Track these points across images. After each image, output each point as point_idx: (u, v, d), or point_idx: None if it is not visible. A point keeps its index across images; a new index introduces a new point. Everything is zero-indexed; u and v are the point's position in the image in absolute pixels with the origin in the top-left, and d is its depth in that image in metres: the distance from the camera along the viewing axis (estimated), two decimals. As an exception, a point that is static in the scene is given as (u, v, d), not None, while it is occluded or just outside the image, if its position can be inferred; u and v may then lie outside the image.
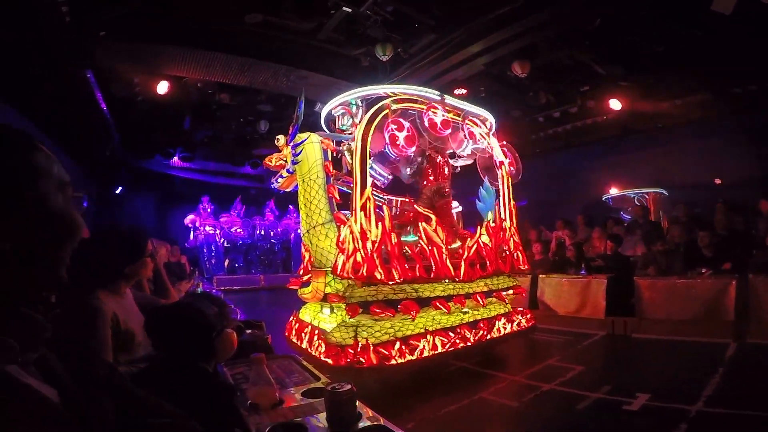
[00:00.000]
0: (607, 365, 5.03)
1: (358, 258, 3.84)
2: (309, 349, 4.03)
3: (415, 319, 4.02)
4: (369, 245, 3.88)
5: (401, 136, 4.38)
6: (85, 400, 0.70)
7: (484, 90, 8.65)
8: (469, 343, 4.28)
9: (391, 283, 3.96)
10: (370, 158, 4.29)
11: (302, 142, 4.24)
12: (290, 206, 15.91)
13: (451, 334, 4.18)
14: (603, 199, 10.39)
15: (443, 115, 4.62)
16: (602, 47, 7.29)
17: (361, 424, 1.32)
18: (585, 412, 3.30)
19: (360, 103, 4.69)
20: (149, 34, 5.82)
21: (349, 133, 4.69)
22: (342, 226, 4.07)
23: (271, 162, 4.45)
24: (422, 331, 4.02)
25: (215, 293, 6.27)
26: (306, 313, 4.68)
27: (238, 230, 15.33)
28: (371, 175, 4.49)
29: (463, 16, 6.37)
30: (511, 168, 5.36)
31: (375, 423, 1.34)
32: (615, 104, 9.01)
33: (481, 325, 4.49)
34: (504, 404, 3.59)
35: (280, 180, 4.50)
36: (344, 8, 6.15)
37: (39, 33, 4.53)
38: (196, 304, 1.63)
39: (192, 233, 15.06)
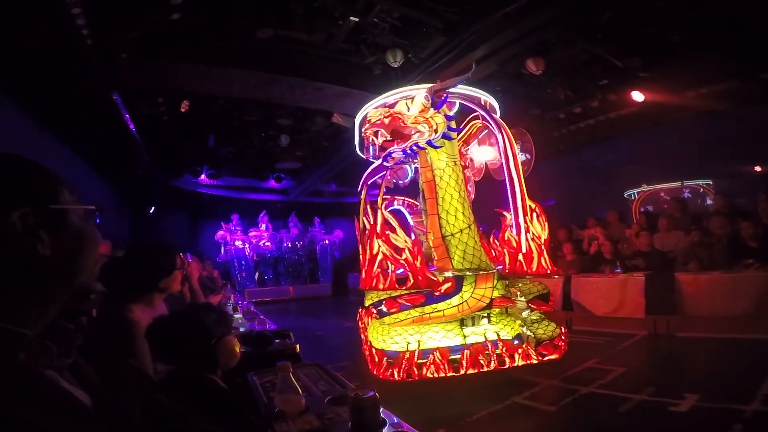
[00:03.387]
0: (651, 366, 4.76)
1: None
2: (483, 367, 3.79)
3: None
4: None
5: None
6: (116, 407, 0.72)
7: (500, 89, 8.52)
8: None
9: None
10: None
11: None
12: (315, 218, 16.12)
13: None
14: (634, 193, 9.99)
15: None
16: (617, 39, 7.08)
17: (385, 431, 1.34)
18: (628, 415, 3.12)
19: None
20: (166, 53, 6.04)
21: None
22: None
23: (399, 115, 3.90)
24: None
25: (246, 305, 6.40)
26: (429, 338, 3.93)
27: (266, 244, 15.64)
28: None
29: (470, 17, 6.31)
30: (526, 155, 4.91)
31: (398, 429, 1.35)
32: (637, 96, 8.69)
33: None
34: (539, 409, 3.45)
35: (398, 154, 4.07)
36: (351, 18, 6.20)
37: (64, 58, 4.79)
38: (193, 313, 1.66)
39: (223, 248, 15.46)
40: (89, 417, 0.64)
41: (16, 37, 4.44)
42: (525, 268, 4.15)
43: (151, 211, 14.35)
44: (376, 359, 3.94)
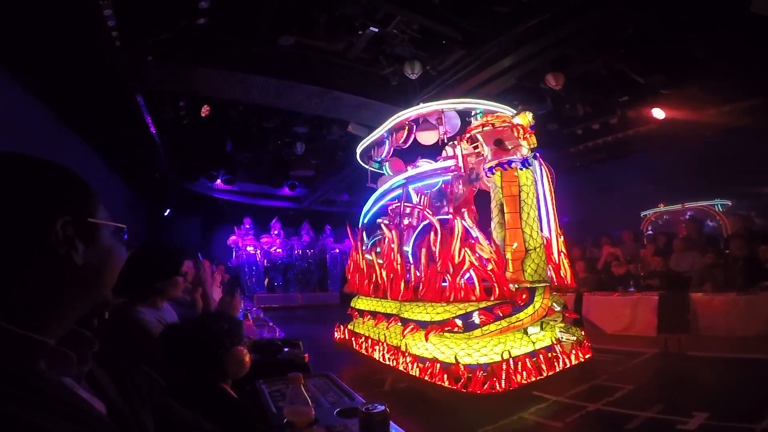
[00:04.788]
0: (660, 383, 4.65)
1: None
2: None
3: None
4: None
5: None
6: (130, 414, 0.72)
7: (518, 103, 8.55)
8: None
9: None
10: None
11: None
12: (327, 226, 16.20)
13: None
14: (651, 212, 9.85)
15: None
16: (639, 56, 7.06)
17: None
18: (635, 432, 3.05)
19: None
20: (190, 57, 6.21)
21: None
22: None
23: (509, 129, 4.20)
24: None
25: (256, 312, 6.46)
26: (510, 346, 4.18)
27: (277, 250, 15.75)
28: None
29: (492, 30, 6.36)
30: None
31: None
32: (658, 113, 8.61)
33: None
34: (545, 424, 3.41)
35: (516, 163, 4.29)
36: (371, 28, 6.31)
37: (93, 58, 4.97)
38: (204, 322, 1.69)
39: (234, 253, 15.60)
40: (105, 426, 0.63)
41: (47, 36, 4.61)
42: (566, 282, 4.63)
43: (166, 214, 14.60)
44: (463, 374, 3.94)
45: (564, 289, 5.11)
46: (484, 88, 7.45)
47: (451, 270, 4.24)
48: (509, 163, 4.29)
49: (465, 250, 4.22)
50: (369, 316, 5.60)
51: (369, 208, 6.38)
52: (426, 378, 4.16)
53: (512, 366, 4.00)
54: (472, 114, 5.28)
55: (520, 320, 4.17)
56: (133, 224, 11.54)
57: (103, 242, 0.73)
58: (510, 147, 4.33)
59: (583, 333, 4.99)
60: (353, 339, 5.78)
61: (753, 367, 4.60)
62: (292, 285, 15.68)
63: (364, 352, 5.43)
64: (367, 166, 6.64)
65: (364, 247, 6.21)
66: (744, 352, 4.92)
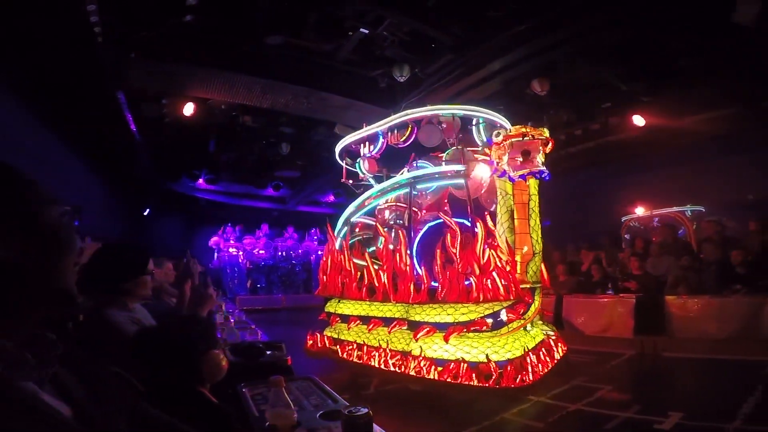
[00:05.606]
0: (637, 384, 4.81)
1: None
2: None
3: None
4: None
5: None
6: (100, 417, 0.70)
7: (503, 108, 8.66)
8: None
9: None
10: None
11: None
12: (312, 228, 16.11)
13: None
14: (629, 218, 10.09)
15: None
16: (623, 63, 7.23)
17: None
18: (614, 432, 3.14)
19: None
20: (174, 54, 6.06)
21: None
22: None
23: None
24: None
25: (238, 314, 6.35)
26: (526, 342, 4.50)
27: (260, 252, 15.58)
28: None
29: (480, 34, 6.44)
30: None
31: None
32: (638, 120, 8.83)
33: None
34: (527, 425, 3.48)
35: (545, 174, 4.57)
36: (362, 29, 6.31)
37: (72, 53, 4.83)
38: (177, 326, 1.65)
39: (216, 254, 15.37)
40: (66, 429, 0.61)
41: (25, 29, 4.45)
42: (545, 283, 5.02)
43: (145, 213, 14.30)
44: (494, 370, 4.08)
45: (546, 290, 5.45)
46: (470, 92, 7.54)
47: (478, 271, 4.37)
48: (540, 173, 4.53)
49: (491, 252, 4.37)
50: (358, 322, 5.33)
51: (355, 209, 6.17)
52: (449, 380, 4.19)
53: (532, 359, 4.30)
54: (474, 123, 5.42)
55: (528, 318, 4.53)
56: (111, 225, 11.24)
57: (46, 232, 0.68)
58: (532, 158, 4.58)
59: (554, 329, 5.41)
60: (337, 347, 5.47)
61: (725, 367, 4.79)
62: (275, 287, 15.54)
63: (356, 360, 5.13)
64: (342, 163, 6.53)
65: (338, 247, 6.04)
66: (717, 353, 5.11)
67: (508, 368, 4.06)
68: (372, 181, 6.07)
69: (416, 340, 4.51)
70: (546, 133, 4.70)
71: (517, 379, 4.05)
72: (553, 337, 5.05)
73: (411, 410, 3.89)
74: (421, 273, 4.86)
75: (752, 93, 7.50)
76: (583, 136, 10.03)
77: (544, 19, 5.99)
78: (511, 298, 4.31)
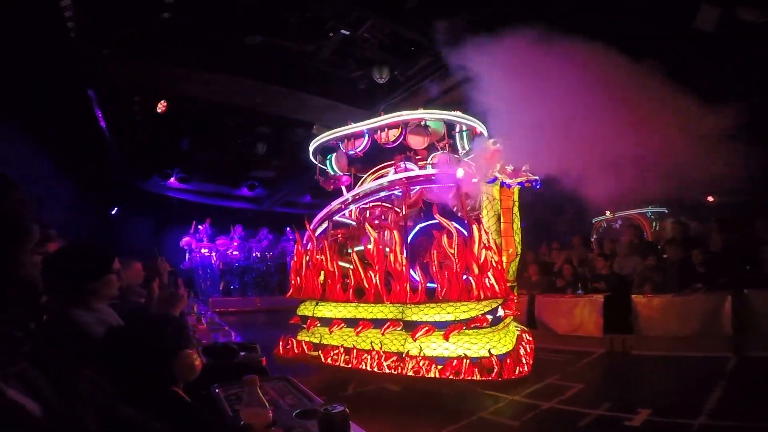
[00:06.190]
0: (607, 382, 5.00)
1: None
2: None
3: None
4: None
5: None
6: (68, 415, 0.70)
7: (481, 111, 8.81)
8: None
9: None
10: None
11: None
12: (287, 229, 15.91)
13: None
14: (599, 219, 10.44)
15: None
16: None
17: None
18: (587, 429, 3.27)
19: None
20: (150, 52, 5.90)
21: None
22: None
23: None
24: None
25: (210, 315, 6.22)
26: (513, 336, 4.82)
27: (234, 253, 15.29)
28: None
29: (459, 37, 6.53)
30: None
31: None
32: (605, 124, 9.13)
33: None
34: (504, 423, 3.56)
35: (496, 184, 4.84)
36: (343, 31, 6.30)
37: (44, 48, 4.62)
38: (148, 326, 1.62)
39: (188, 255, 14.99)
40: (37, 427, 0.61)
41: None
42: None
43: (113, 212, 13.82)
44: (496, 364, 4.28)
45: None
46: (448, 96, 7.65)
47: (477, 270, 4.63)
48: (536, 183, 4.85)
49: (488, 253, 4.63)
50: (343, 325, 5.21)
51: (339, 207, 5.94)
52: (450, 377, 4.30)
53: (523, 351, 4.68)
54: (457, 130, 5.60)
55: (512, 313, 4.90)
56: (78, 223, 10.79)
57: (3, 218, 0.68)
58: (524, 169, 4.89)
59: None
60: (319, 352, 5.27)
61: (689, 364, 5.02)
62: (249, 288, 15.27)
63: (342, 365, 4.98)
64: (315, 161, 6.48)
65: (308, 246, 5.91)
66: (681, 350, 5.35)
67: (507, 361, 4.33)
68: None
69: (414, 340, 4.57)
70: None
71: (516, 371, 4.34)
72: (526, 330, 5.36)
73: (389, 410, 3.92)
74: (415, 273, 4.94)
75: (711, 96, 7.86)
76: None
77: (519, 22, 6.12)
78: (503, 295, 4.62)
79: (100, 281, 1.96)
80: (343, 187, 6.17)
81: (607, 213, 10.41)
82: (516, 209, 5.13)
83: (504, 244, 4.94)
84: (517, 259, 5.08)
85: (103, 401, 0.87)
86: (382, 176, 6.01)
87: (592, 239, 9.96)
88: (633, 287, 6.64)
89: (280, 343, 5.73)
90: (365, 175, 6.37)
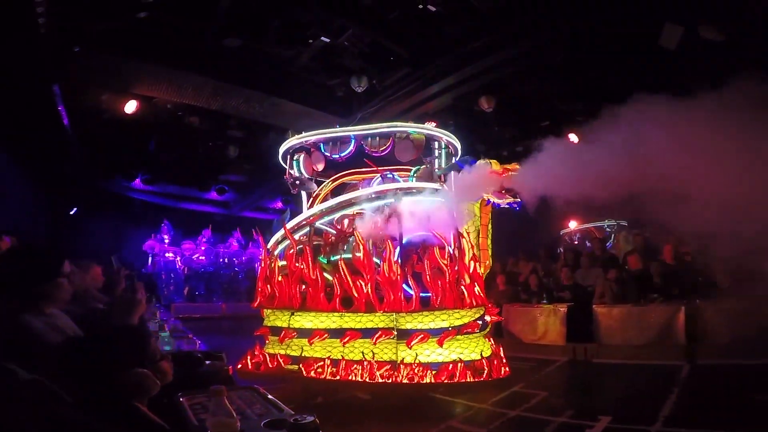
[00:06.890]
0: (570, 390, 5.16)
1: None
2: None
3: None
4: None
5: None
6: (16, 423, 0.69)
7: (453, 124, 8.99)
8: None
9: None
10: None
11: None
12: (258, 236, 15.56)
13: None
14: (565, 232, 10.82)
15: None
16: (564, 82, 7.77)
17: None
18: (551, 436, 3.35)
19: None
20: (123, 50, 5.73)
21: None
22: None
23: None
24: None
25: (174, 322, 6.00)
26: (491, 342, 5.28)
27: (200, 258, 14.86)
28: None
29: (436, 50, 6.69)
30: None
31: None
32: (574, 138, 9.48)
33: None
34: (473, 432, 3.59)
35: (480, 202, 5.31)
36: (323, 38, 6.32)
37: (8, 38, 4.37)
38: (104, 339, 1.58)
39: (150, 259, 14.45)
40: None
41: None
42: None
43: (72, 212, 13.19)
44: (487, 366, 4.74)
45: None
46: (423, 107, 7.78)
47: (468, 280, 4.96)
48: (519, 204, 5.24)
49: (476, 264, 5.05)
50: (326, 335, 5.04)
51: (320, 213, 5.87)
52: (445, 381, 4.61)
53: (501, 354, 5.16)
54: (437, 147, 5.88)
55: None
56: (34, 223, 10.23)
57: None
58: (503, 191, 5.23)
59: None
60: (299, 366, 5.07)
61: (646, 372, 5.25)
62: (216, 294, 14.85)
63: (329, 377, 4.81)
64: (284, 163, 6.44)
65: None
66: (639, 358, 5.59)
67: (495, 362, 4.74)
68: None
69: (410, 348, 4.71)
70: (517, 167, 5.28)
71: (502, 371, 4.86)
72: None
73: (360, 418, 3.89)
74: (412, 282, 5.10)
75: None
76: (524, 152, 10.62)
77: (495, 37, 6.34)
78: (487, 303, 5.05)
79: (49, 284, 1.88)
80: (303, 192, 6.32)
81: (571, 225, 10.81)
82: (491, 225, 5.54)
83: (481, 256, 5.36)
84: (489, 270, 5.50)
85: (56, 409, 0.85)
86: (343, 184, 6.26)
87: (559, 251, 10.31)
88: (594, 297, 6.91)
89: (248, 357, 5.47)
90: (326, 181, 6.40)
